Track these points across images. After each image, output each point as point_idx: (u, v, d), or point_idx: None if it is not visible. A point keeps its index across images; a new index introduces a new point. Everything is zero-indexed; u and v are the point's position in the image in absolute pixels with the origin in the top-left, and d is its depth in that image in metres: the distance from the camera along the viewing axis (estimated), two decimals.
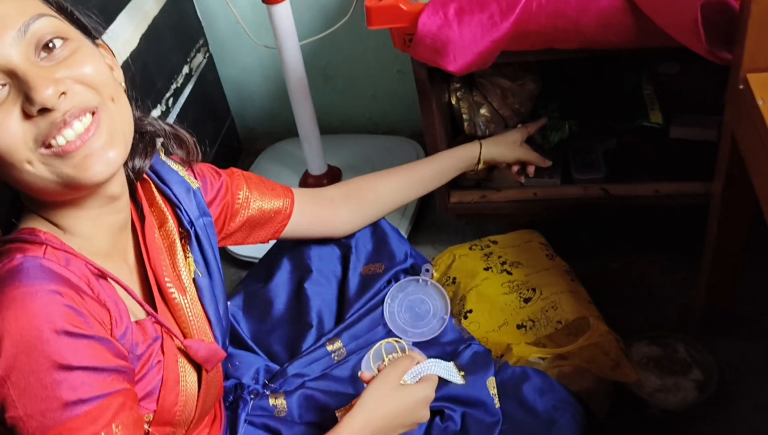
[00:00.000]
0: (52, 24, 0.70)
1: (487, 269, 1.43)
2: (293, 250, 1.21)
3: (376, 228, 1.24)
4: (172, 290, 0.85)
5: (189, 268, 0.89)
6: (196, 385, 0.84)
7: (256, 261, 1.60)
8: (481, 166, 1.32)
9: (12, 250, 0.70)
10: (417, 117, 1.89)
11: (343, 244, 1.21)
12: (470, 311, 1.36)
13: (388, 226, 1.25)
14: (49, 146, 0.68)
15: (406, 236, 1.71)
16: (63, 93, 0.67)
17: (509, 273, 1.42)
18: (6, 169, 0.69)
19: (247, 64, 2.05)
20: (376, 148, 1.98)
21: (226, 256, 1.77)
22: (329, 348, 1.14)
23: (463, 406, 1.07)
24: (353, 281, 1.20)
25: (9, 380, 0.65)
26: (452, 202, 1.56)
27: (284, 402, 1.06)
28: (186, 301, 0.86)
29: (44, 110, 0.66)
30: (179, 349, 0.83)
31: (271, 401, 1.06)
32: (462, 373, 1.09)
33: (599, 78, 1.54)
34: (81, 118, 0.69)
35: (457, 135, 1.56)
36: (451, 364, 1.05)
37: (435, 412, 1.06)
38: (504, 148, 1.34)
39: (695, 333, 1.36)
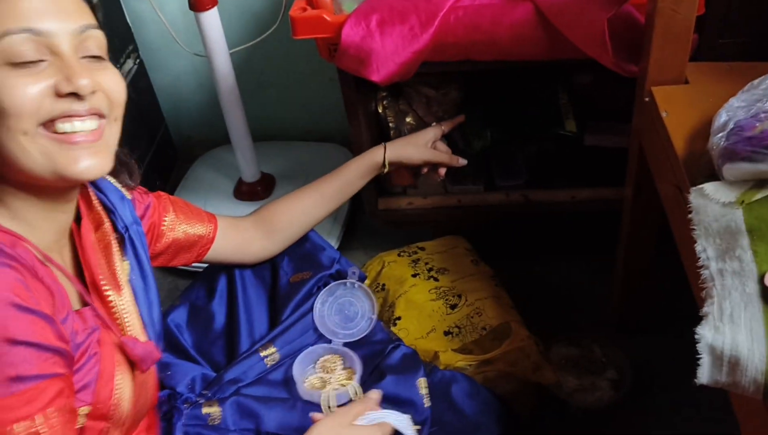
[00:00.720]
0: (103, 41, 0.77)
1: (415, 276, 1.46)
2: (229, 265, 1.24)
3: (304, 238, 1.26)
4: (107, 288, 0.85)
5: (124, 271, 0.91)
6: (130, 384, 0.85)
7: (193, 269, 1.62)
8: (386, 169, 1.30)
9: None
10: (345, 125, 1.93)
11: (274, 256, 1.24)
12: (399, 318, 1.38)
13: (315, 236, 1.28)
14: (52, 130, 0.71)
15: (338, 241, 1.75)
16: (94, 91, 0.73)
17: (436, 279, 1.45)
18: (7, 133, 0.70)
19: (180, 72, 2.04)
20: (310, 154, 1.99)
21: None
22: (262, 353, 1.16)
23: (393, 406, 1.08)
24: (283, 289, 1.22)
25: None
26: (380, 208, 1.58)
27: (218, 409, 1.07)
28: (121, 300, 0.87)
29: (73, 96, 0.71)
30: (115, 344, 0.84)
31: (205, 410, 1.06)
32: (417, 427, 1.07)
33: (518, 87, 1.59)
34: (94, 120, 0.74)
35: (384, 141, 1.59)
36: (407, 417, 1.05)
37: None
38: (412, 149, 1.31)
39: (612, 333, 1.42)
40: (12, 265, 0.69)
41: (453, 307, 1.38)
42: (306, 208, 1.23)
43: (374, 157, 1.28)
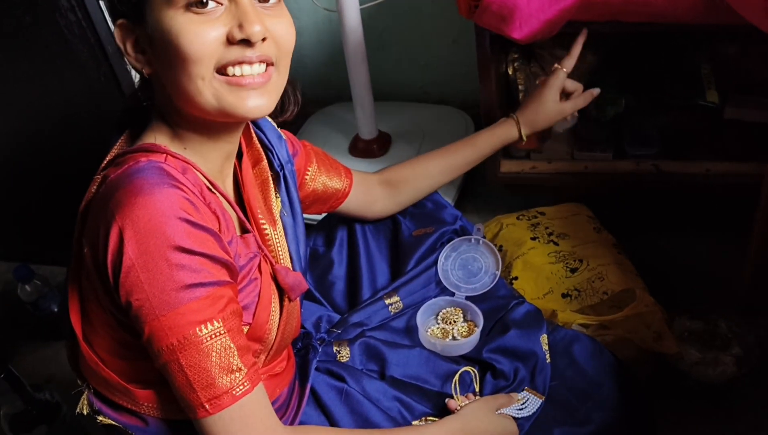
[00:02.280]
0: None
1: (534, 239, 1.46)
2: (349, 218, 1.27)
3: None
4: (263, 221, 0.90)
5: (277, 207, 0.95)
6: (278, 311, 0.90)
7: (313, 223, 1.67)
8: (525, 141, 1.26)
9: (136, 156, 0.77)
10: (468, 88, 1.93)
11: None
12: (515, 278, 1.39)
13: (436, 194, 1.30)
14: (224, 74, 0.75)
15: (453, 203, 1.74)
16: (264, 38, 0.75)
17: (556, 244, 1.44)
18: (181, 74, 0.74)
19: (301, 27, 2.08)
20: (427, 117, 2.00)
21: None
22: (387, 301, 1.19)
23: (515, 359, 1.10)
24: (406, 242, 1.24)
25: (137, 262, 0.70)
26: (502, 171, 1.58)
27: (347, 349, 1.11)
28: (275, 234, 0.91)
29: (245, 42, 0.73)
30: (269, 273, 0.88)
31: (335, 348, 1.11)
32: (541, 397, 1.09)
33: (657, 54, 1.54)
34: (262, 66, 0.76)
35: (511, 106, 1.58)
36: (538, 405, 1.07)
37: (486, 365, 1.10)
38: (543, 115, 1.23)
39: (739, 310, 1.37)
40: (180, 187, 0.74)
41: (573, 270, 1.37)
42: (432, 174, 1.24)
43: (508, 132, 1.25)
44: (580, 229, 1.48)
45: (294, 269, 0.96)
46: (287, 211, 0.98)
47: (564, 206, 1.55)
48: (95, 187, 0.81)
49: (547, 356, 1.12)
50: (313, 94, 2.21)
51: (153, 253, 0.70)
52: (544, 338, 1.13)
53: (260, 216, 0.91)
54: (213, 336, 0.72)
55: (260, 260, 0.87)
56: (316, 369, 1.07)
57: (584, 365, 1.12)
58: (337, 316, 1.21)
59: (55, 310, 1.67)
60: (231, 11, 0.74)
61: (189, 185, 0.76)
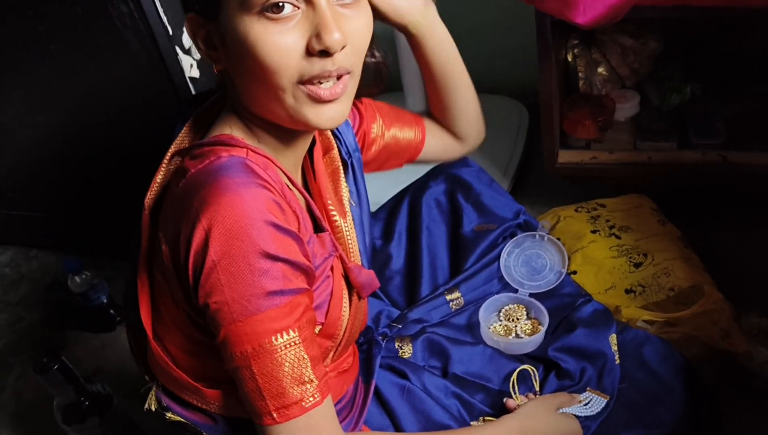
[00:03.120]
0: None
1: (594, 232, 1.41)
2: (409, 207, 1.24)
3: (487, 188, 1.24)
4: (334, 213, 0.87)
5: (346, 197, 0.92)
6: (348, 308, 0.87)
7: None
8: None
9: (216, 150, 0.74)
10: (520, 76, 1.87)
11: (456, 204, 1.22)
12: (574, 272, 1.34)
13: (498, 187, 1.26)
14: (306, 84, 0.71)
15: None
16: (344, 46, 0.71)
17: (618, 237, 1.39)
18: (257, 82, 0.71)
19: None
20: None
21: None
22: (448, 297, 1.16)
23: (582, 359, 1.06)
24: (467, 237, 1.21)
25: (220, 264, 0.68)
26: (560, 162, 1.53)
27: (410, 345, 1.08)
28: (345, 226, 0.89)
29: (325, 53, 0.69)
30: (340, 269, 0.86)
31: (397, 343, 1.09)
32: (606, 397, 1.05)
33: (723, 41, 1.47)
34: (340, 76, 0.72)
35: (570, 93, 1.53)
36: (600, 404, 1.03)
37: (551, 364, 1.06)
38: None
39: None
40: (267, 186, 0.71)
41: (637, 265, 1.32)
42: (462, 97, 1.10)
43: None
44: (644, 221, 1.42)
45: (361, 261, 0.93)
46: (355, 201, 0.95)
47: (626, 198, 1.49)
48: (163, 176, 0.79)
49: (617, 357, 1.08)
50: None
51: (237, 256, 0.68)
52: (613, 338, 1.09)
53: (332, 208, 0.88)
54: (288, 346, 0.70)
55: (333, 259, 0.85)
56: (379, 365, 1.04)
57: (655, 368, 1.08)
58: (396, 311, 1.18)
59: (105, 301, 1.67)
60: (308, 16, 0.69)
61: (273, 183, 0.73)
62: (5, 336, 1.77)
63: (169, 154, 0.81)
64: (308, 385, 0.72)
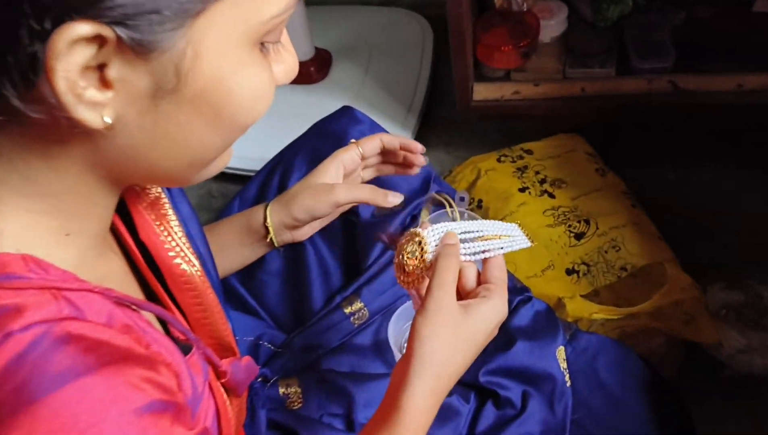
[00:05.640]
0: None
1: (523, 190, 1.14)
2: (281, 183, 0.95)
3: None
4: (179, 262, 0.56)
5: (178, 229, 0.60)
6: (233, 414, 0.62)
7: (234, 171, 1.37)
8: (271, 235, 0.81)
9: None
10: None
11: None
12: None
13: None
14: None
15: (413, 136, 1.41)
16: None
17: (551, 195, 1.13)
18: (213, 135, 0.45)
19: None
20: (372, 24, 1.60)
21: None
22: (347, 310, 0.88)
23: (524, 383, 0.83)
24: (365, 223, 0.92)
25: None
26: (476, 99, 1.23)
27: (298, 390, 0.82)
28: (196, 270, 0.57)
29: None
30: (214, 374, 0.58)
31: (282, 389, 0.82)
32: (525, 232, 0.70)
33: None
34: None
35: (483, 11, 1.21)
36: (510, 225, 0.68)
37: (486, 393, 0.83)
38: (309, 199, 0.80)
39: None
40: (123, 356, 0.41)
41: (579, 236, 1.06)
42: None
43: (252, 217, 0.82)
44: (580, 171, 1.17)
45: (212, 284, 0.62)
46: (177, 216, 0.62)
47: (555, 140, 1.24)
48: None
49: (567, 377, 0.85)
50: None
51: None
52: (561, 352, 0.86)
53: (176, 259, 0.57)
54: None
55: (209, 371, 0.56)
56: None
57: (614, 388, 0.88)
58: (279, 335, 0.91)
59: None
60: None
61: (121, 342, 0.42)
62: None
63: None
64: None
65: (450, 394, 0.81)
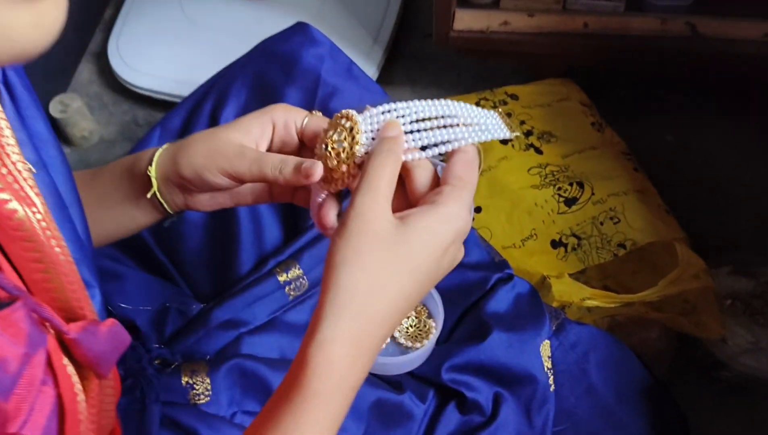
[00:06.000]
0: None
1: (505, 142, 0.98)
2: (212, 117, 0.78)
3: (347, 77, 0.79)
4: (8, 199, 0.39)
5: (15, 160, 0.42)
6: (85, 405, 0.44)
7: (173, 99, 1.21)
8: (154, 189, 0.57)
9: None
10: None
11: None
12: (477, 210, 0.92)
13: (363, 77, 0.80)
14: None
15: (378, 71, 1.25)
16: None
17: (539, 151, 0.97)
18: None
19: None
20: None
21: (115, 86, 1.23)
22: (281, 278, 0.73)
23: (498, 384, 0.70)
24: None
25: None
26: (457, 29, 1.06)
27: (206, 380, 0.67)
28: (35, 213, 0.41)
29: None
30: (59, 342, 0.42)
31: (185, 378, 0.67)
32: (507, 122, 0.52)
33: None
34: None
35: None
36: (487, 112, 0.48)
37: (449, 392, 0.70)
38: (206, 151, 0.55)
39: None
40: None
41: (570, 201, 0.90)
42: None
43: (138, 161, 0.59)
44: (573, 125, 1.02)
45: (80, 271, 0.45)
46: (33, 159, 0.45)
47: (545, 85, 1.09)
48: None
49: (551, 380, 0.71)
50: None
51: None
52: (545, 347, 0.73)
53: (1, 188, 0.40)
54: None
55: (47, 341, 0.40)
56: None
57: (607, 396, 0.74)
58: (195, 304, 0.75)
59: None
60: None
61: None
62: None
63: None
64: None
65: (402, 390, 0.69)
